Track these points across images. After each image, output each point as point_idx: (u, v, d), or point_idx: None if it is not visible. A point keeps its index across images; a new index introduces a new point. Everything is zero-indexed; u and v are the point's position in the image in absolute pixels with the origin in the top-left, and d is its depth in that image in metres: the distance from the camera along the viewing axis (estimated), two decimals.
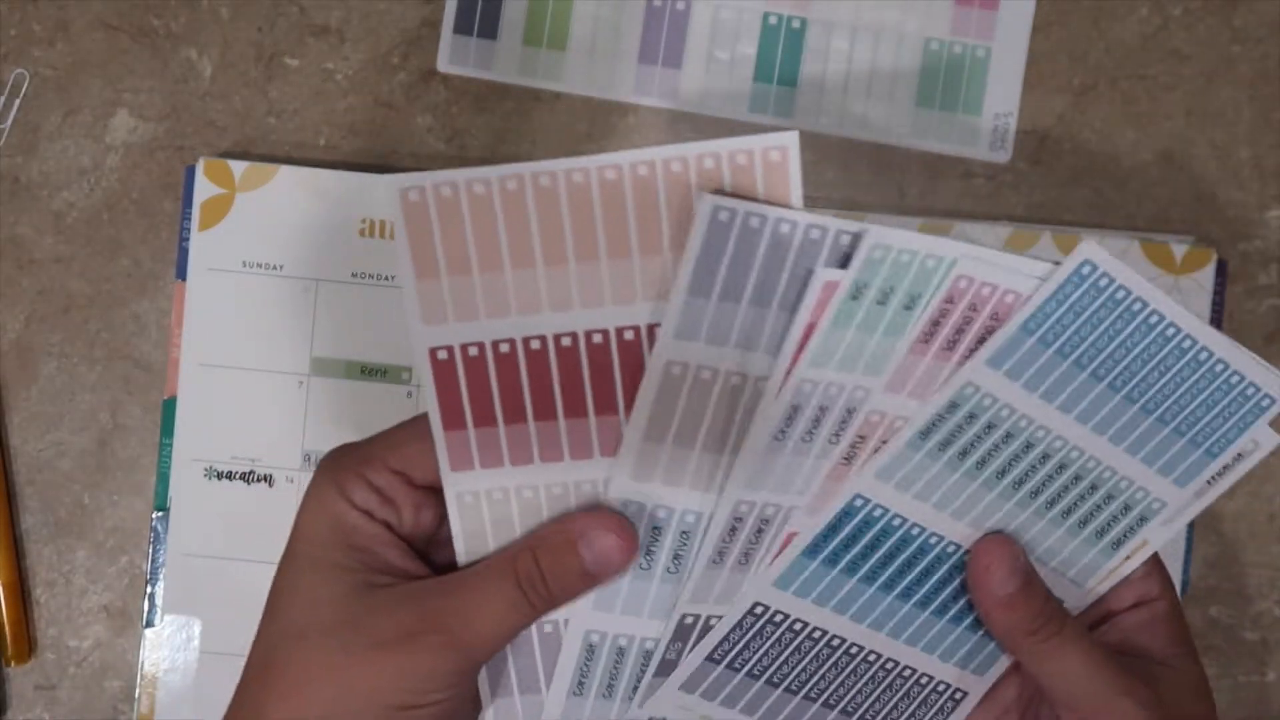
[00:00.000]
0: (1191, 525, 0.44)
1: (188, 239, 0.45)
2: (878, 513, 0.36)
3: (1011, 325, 0.34)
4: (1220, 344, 0.35)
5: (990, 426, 0.36)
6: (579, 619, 0.36)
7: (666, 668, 0.37)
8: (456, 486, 0.35)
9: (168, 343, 0.45)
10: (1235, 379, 0.36)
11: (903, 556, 0.37)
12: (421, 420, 0.35)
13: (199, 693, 0.44)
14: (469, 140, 0.46)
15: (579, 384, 0.35)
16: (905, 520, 0.36)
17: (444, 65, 0.46)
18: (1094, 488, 0.37)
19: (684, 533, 0.36)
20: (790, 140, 0.33)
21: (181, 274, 0.45)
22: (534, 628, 0.36)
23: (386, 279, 0.44)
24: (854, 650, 0.38)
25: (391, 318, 0.44)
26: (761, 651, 0.37)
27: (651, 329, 0.35)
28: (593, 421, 0.35)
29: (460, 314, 0.34)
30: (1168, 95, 0.46)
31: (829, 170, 0.46)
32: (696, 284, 0.34)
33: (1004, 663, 0.38)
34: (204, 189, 0.44)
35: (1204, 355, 0.36)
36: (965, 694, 0.39)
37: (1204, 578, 0.45)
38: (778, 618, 0.37)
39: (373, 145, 0.46)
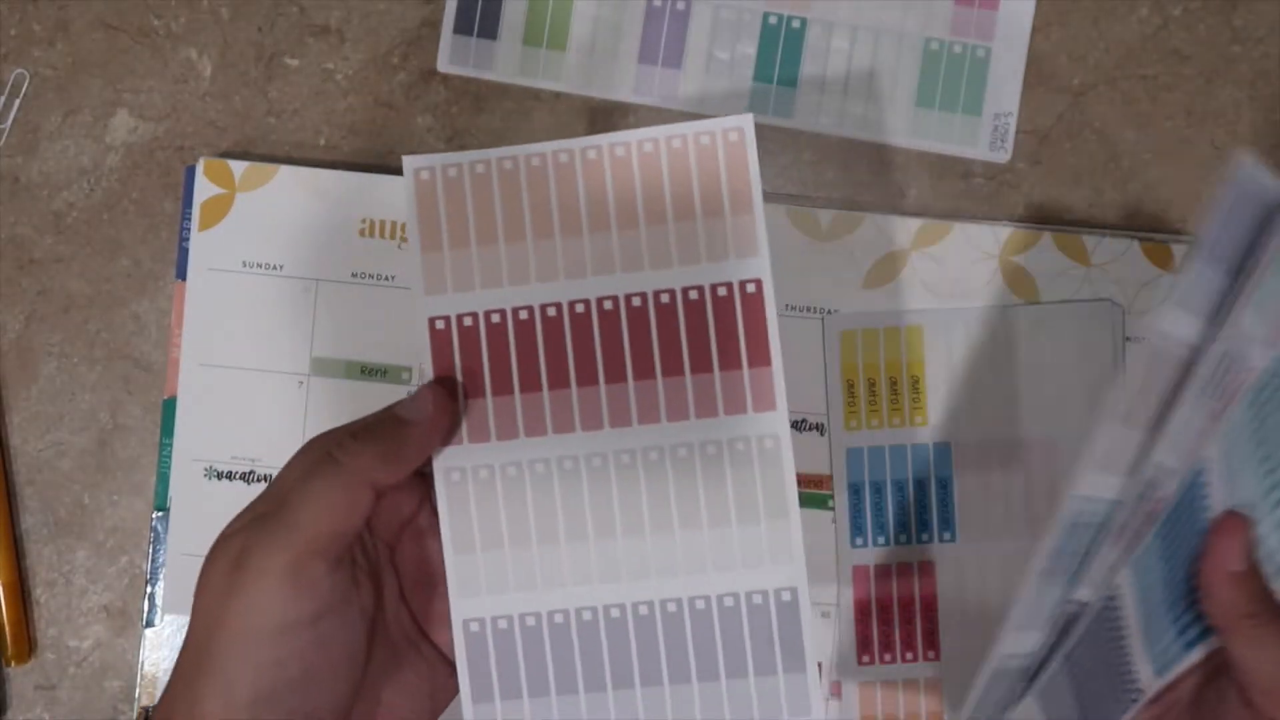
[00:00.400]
0: None
1: (188, 239, 0.45)
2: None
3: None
4: None
5: None
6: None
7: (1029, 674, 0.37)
8: (445, 463, 0.36)
9: (168, 343, 0.45)
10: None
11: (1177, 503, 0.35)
12: (390, 418, 0.35)
13: None
14: (469, 140, 0.46)
15: (563, 354, 0.36)
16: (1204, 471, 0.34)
17: (444, 65, 0.46)
18: None
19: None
20: (746, 122, 0.36)
21: (181, 274, 0.45)
22: (516, 625, 0.36)
23: (387, 279, 0.44)
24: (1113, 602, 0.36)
25: (391, 318, 0.44)
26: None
27: (628, 298, 0.36)
28: (574, 393, 0.36)
29: (458, 285, 0.36)
30: (1168, 95, 0.46)
31: (829, 170, 0.46)
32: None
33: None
34: (204, 189, 0.44)
35: None
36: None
37: None
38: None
39: (373, 145, 0.46)
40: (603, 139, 0.36)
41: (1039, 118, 0.46)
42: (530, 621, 0.36)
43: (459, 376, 0.36)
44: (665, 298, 0.36)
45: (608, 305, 0.36)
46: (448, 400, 0.35)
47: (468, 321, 0.36)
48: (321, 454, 0.33)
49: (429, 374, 0.36)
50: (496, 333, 0.36)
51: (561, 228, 0.36)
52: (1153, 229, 0.46)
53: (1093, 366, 0.44)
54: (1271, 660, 0.34)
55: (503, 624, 0.36)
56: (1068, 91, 0.46)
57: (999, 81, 0.46)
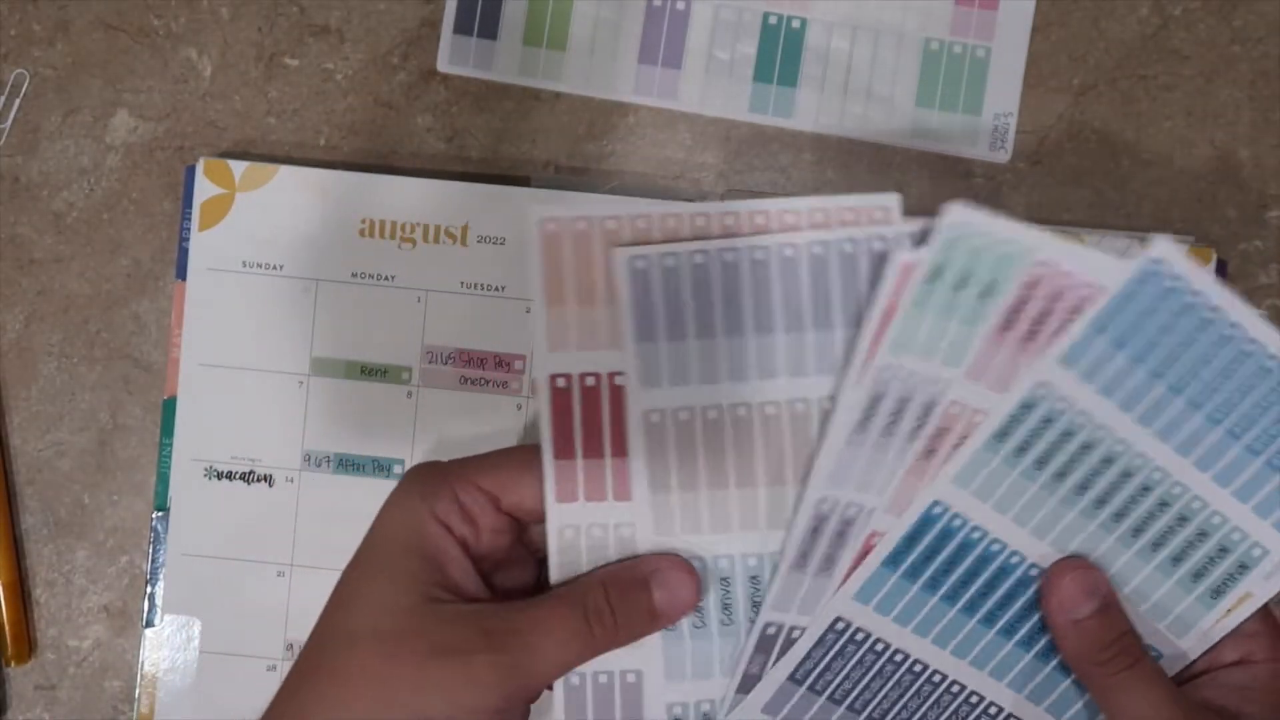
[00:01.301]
0: None
1: (188, 239, 0.45)
2: (956, 523, 0.35)
3: (1082, 322, 0.33)
4: None
5: (1067, 434, 0.34)
6: (654, 694, 0.36)
7: (748, 683, 0.36)
8: (559, 520, 0.35)
9: (168, 343, 0.45)
10: None
11: (984, 576, 0.35)
12: (521, 449, 0.36)
13: (199, 693, 0.44)
14: (469, 140, 0.46)
15: None
16: (985, 534, 0.35)
17: (444, 65, 0.46)
18: (1183, 519, 0.34)
19: (753, 578, 0.36)
20: (892, 201, 0.35)
21: (181, 274, 0.45)
22: (617, 685, 0.36)
23: (386, 279, 0.44)
24: (937, 678, 0.36)
25: (391, 318, 0.44)
26: (843, 674, 0.36)
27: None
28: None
29: (582, 343, 0.35)
30: (1168, 95, 0.46)
31: (829, 170, 0.46)
32: (642, 332, 0.34)
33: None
34: (204, 189, 0.44)
35: None
36: None
37: None
38: (859, 636, 0.36)
39: (373, 145, 0.46)
40: (741, 205, 0.35)
41: (1039, 118, 0.46)
42: (631, 679, 0.36)
43: (578, 437, 0.35)
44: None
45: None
46: (698, 596, 0.35)
47: (590, 381, 0.35)
48: (578, 614, 0.33)
49: (549, 431, 0.35)
50: (620, 396, 0.35)
51: None
52: (1153, 229, 0.46)
53: None
54: (1127, 712, 0.34)
55: (603, 679, 0.36)
56: (1068, 91, 0.46)
57: (999, 81, 0.46)
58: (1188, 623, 0.35)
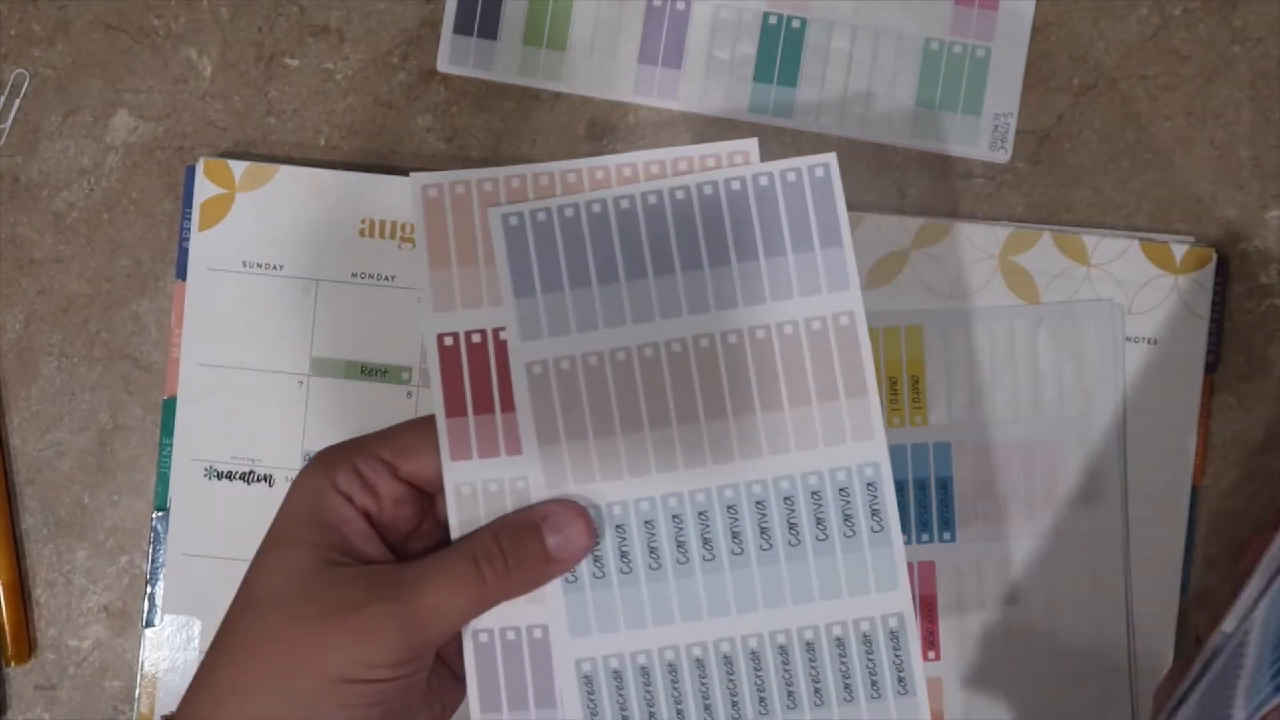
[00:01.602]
0: (1192, 525, 0.44)
1: (188, 239, 0.45)
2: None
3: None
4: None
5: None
6: (563, 652, 0.36)
7: None
8: (455, 477, 0.36)
9: (168, 343, 0.45)
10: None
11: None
12: (418, 420, 0.37)
13: None
14: (469, 140, 0.46)
15: None
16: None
17: (444, 65, 0.46)
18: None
19: (647, 523, 0.36)
20: (751, 145, 0.37)
21: (181, 274, 0.45)
22: (524, 642, 0.36)
23: (386, 279, 0.44)
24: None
25: (391, 318, 0.44)
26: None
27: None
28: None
29: (467, 302, 0.36)
30: (1168, 95, 0.46)
31: None
32: (519, 287, 0.36)
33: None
34: (204, 189, 0.44)
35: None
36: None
37: (1204, 578, 0.45)
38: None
39: (373, 145, 0.46)
40: (609, 160, 0.36)
41: (1039, 118, 0.46)
42: (538, 634, 0.36)
43: (468, 394, 0.36)
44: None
45: None
46: (592, 539, 0.35)
47: (476, 338, 0.36)
48: (467, 561, 0.34)
49: (439, 390, 0.36)
50: (505, 351, 0.36)
51: None
52: (1153, 229, 0.46)
53: (1093, 366, 0.44)
54: None
55: (510, 635, 0.36)
56: (1068, 91, 0.46)
57: (999, 81, 0.46)
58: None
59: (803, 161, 0.37)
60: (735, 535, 0.36)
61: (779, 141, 0.46)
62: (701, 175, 0.36)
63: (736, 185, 0.36)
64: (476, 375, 0.36)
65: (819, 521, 0.36)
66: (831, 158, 0.37)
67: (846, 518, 0.36)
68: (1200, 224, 0.46)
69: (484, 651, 0.36)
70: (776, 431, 0.36)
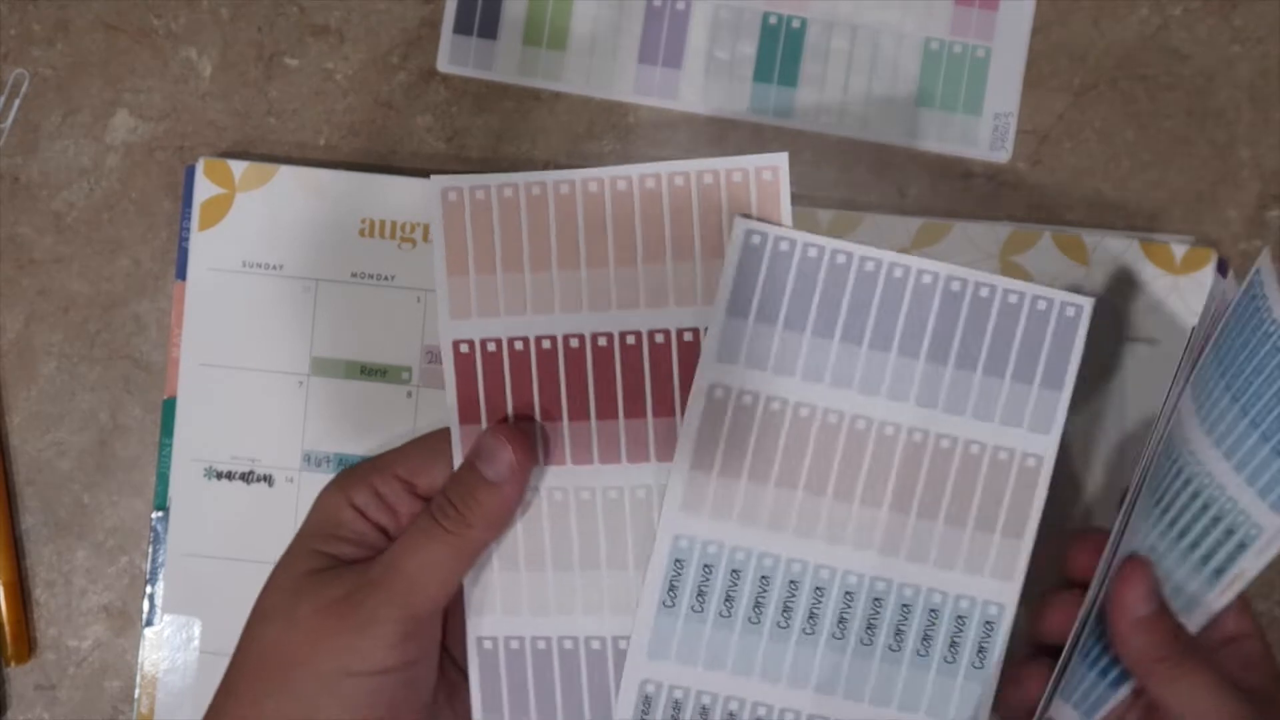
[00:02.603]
0: None
1: (188, 239, 0.45)
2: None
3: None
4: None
5: (738, 574, 0.36)
6: (635, 667, 0.36)
7: None
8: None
9: (168, 343, 0.45)
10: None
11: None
12: (433, 435, 0.38)
13: (199, 693, 0.44)
14: (469, 140, 0.46)
15: (583, 386, 0.36)
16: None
17: (444, 65, 0.46)
18: (1205, 506, 0.35)
19: (763, 578, 0.36)
20: (781, 160, 0.36)
21: (181, 274, 0.45)
22: (527, 646, 0.36)
23: (386, 279, 0.44)
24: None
25: (391, 318, 0.44)
26: None
27: (651, 334, 0.36)
28: (593, 425, 0.36)
29: (483, 310, 0.36)
30: (1168, 95, 0.46)
31: (829, 170, 0.46)
32: (735, 305, 0.35)
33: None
34: (204, 189, 0.44)
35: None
36: None
37: None
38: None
39: (373, 145, 0.46)
40: (633, 169, 0.36)
41: (1039, 118, 0.46)
42: (541, 645, 0.36)
43: (482, 400, 0.36)
44: (689, 335, 0.36)
45: (630, 340, 0.36)
46: (528, 455, 0.36)
47: (491, 347, 0.36)
48: (428, 520, 0.35)
49: (453, 397, 0.36)
50: (520, 360, 0.36)
51: (588, 258, 0.36)
52: (1153, 229, 0.46)
53: (1093, 366, 0.44)
54: (1190, 701, 0.35)
55: (514, 644, 0.36)
56: (1068, 91, 0.46)
57: (999, 81, 0.46)
58: (1195, 601, 0.36)
59: (1059, 295, 0.36)
60: (843, 620, 0.36)
61: (779, 141, 0.46)
62: (950, 268, 0.35)
63: (985, 293, 0.35)
64: (491, 383, 0.36)
65: (926, 638, 0.36)
66: (1087, 303, 0.36)
67: (953, 645, 0.36)
68: (1200, 224, 0.46)
69: (488, 658, 0.36)
70: (922, 541, 0.35)
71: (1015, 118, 0.46)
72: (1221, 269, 0.45)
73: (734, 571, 0.35)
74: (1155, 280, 0.44)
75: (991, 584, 0.36)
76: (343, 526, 0.36)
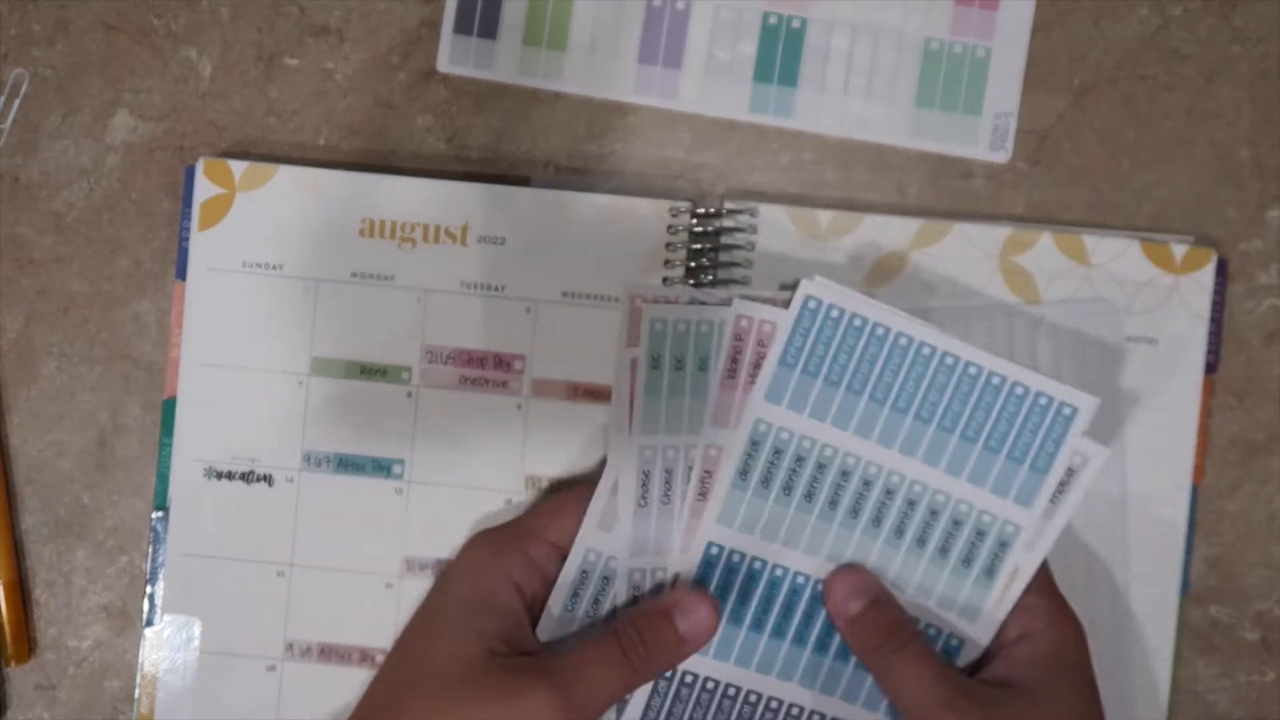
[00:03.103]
0: (1191, 525, 0.44)
1: (188, 239, 0.45)
2: (735, 558, 0.40)
3: (771, 360, 0.39)
4: (956, 346, 0.38)
5: (799, 459, 0.39)
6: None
7: None
8: (589, 543, 0.40)
9: (168, 343, 0.45)
10: (1019, 390, 0.38)
11: (780, 599, 0.40)
12: (578, 492, 0.40)
13: (199, 693, 0.44)
14: (469, 140, 0.46)
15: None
16: (765, 562, 0.39)
17: (444, 65, 0.46)
18: (934, 513, 0.39)
19: (605, 578, 0.41)
20: (1089, 405, 0.39)
21: (181, 274, 0.45)
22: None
23: (386, 279, 0.44)
24: (753, 698, 0.40)
25: (391, 318, 0.44)
26: (681, 718, 0.40)
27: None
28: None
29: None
30: (1168, 95, 0.46)
31: (829, 170, 0.46)
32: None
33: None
34: (204, 189, 0.44)
35: (949, 359, 0.38)
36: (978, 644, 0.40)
37: (1204, 578, 0.45)
38: (688, 679, 0.40)
39: (373, 145, 0.46)
40: (981, 358, 0.39)
41: (1039, 118, 0.46)
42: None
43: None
44: None
45: None
46: (718, 620, 0.39)
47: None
48: (614, 649, 0.37)
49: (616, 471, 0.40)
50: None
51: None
52: (1153, 229, 0.46)
53: (1092, 366, 0.44)
54: (901, 687, 0.38)
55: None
56: (1068, 91, 0.46)
57: (999, 81, 0.46)
58: (974, 607, 0.39)
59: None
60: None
61: (779, 141, 0.46)
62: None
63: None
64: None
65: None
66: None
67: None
68: (1200, 224, 0.46)
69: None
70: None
71: (1015, 118, 0.46)
72: (1221, 269, 0.45)
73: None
74: (1155, 280, 0.44)
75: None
76: (499, 603, 0.38)
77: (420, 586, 0.43)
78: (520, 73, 0.46)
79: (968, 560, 0.39)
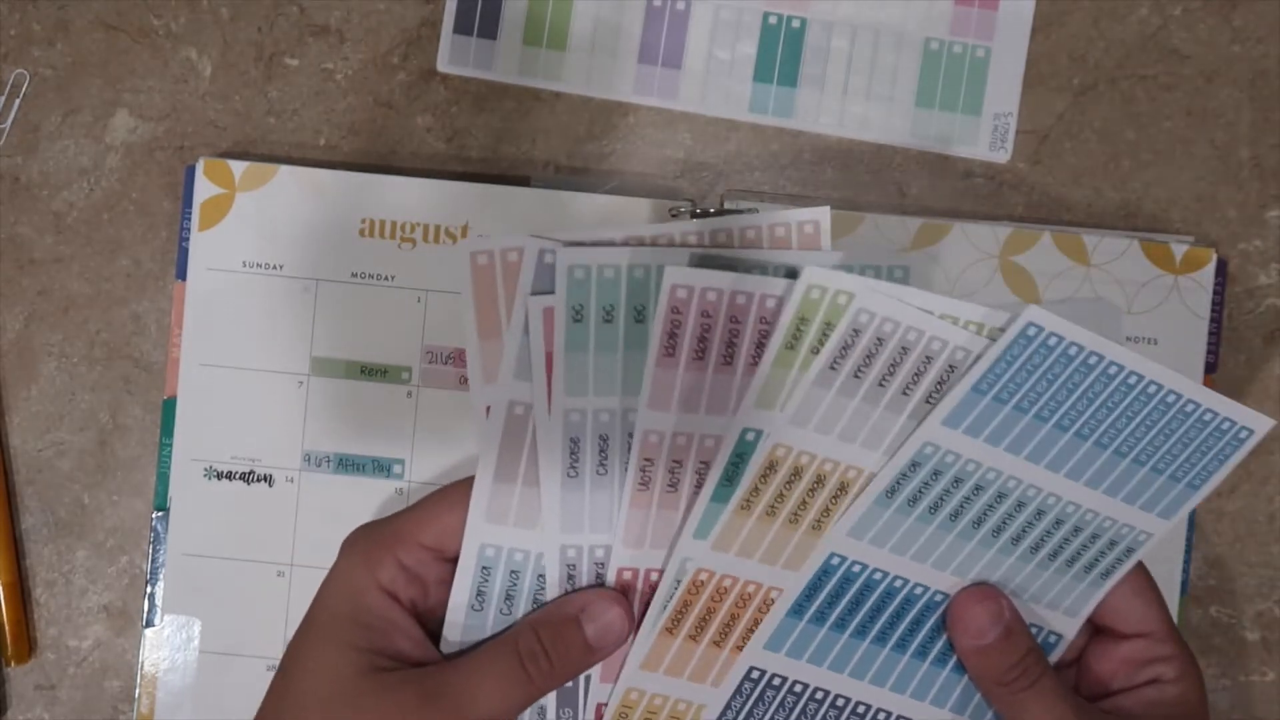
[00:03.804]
0: (1192, 525, 0.44)
1: (188, 239, 0.45)
2: (856, 569, 0.36)
3: (963, 387, 0.35)
4: (1186, 386, 0.36)
5: (958, 480, 0.36)
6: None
7: None
8: (482, 538, 0.36)
9: (168, 343, 0.45)
10: (1208, 416, 0.36)
11: (891, 608, 0.37)
12: (454, 490, 0.36)
13: (199, 693, 0.44)
14: (469, 140, 0.46)
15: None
16: (886, 574, 0.37)
17: (444, 65, 0.46)
18: (1077, 529, 0.37)
19: (513, 572, 0.36)
20: (822, 214, 0.36)
21: (181, 274, 0.45)
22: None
23: (386, 279, 0.44)
24: (861, 709, 0.38)
25: (391, 318, 0.44)
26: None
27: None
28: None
29: (519, 373, 0.36)
30: (1168, 95, 0.46)
31: (829, 170, 0.46)
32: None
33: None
34: (204, 189, 0.44)
35: (1171, 397, 0.36)
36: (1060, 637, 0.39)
37: (1204, 578, 0.45)
38: (776, 681, 0.37)
39: (373, 145, 0.46)
40: (674, 227, 0.36)
41: (1039, 118, 0.46)
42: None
43: (523, 464, 0.36)
44: None
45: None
46: (632, 625, 0.35)
47: (519, 410, 0.36)
48: (512, 661, 0.34)
49: (490, 456, 0.35)
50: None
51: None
52: (1153, 229, 0.46)
53: None
54: (1038, 715, 0.35)
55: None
56: (1068, 91, 0.46)
57: (999, 81, 0.46)
58: (1084, 600, 0.38)
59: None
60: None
61: (779, 141, 0.46)
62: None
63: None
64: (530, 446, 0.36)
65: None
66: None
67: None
68: (1200, 224, 0.46)
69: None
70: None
71: (1015, 118, 0.46)
72: (1221, 269, 0.45)
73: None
74: (1155, 280, 0.44)
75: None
76: (372, 613, 0.34)
77: None
78: (520, 73, 0.46)
79: (1090, 565, 0.37)
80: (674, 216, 0.44)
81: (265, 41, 0.46)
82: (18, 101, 0.46)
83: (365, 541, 0.35)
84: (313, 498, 0.44)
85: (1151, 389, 0.36)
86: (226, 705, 0.44)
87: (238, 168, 0.44)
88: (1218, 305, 0.44)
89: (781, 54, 0.46)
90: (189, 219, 0.45)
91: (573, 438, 0.35)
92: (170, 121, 0.46)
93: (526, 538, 0.36)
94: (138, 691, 0.44)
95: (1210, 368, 0.45)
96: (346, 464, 0.44)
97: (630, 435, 0.35)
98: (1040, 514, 0.37)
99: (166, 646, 0.44)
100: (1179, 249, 0.44)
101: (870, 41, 0.46)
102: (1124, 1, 0.46)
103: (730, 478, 0.35)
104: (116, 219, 0.46)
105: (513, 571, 0.36)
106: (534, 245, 0.35)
